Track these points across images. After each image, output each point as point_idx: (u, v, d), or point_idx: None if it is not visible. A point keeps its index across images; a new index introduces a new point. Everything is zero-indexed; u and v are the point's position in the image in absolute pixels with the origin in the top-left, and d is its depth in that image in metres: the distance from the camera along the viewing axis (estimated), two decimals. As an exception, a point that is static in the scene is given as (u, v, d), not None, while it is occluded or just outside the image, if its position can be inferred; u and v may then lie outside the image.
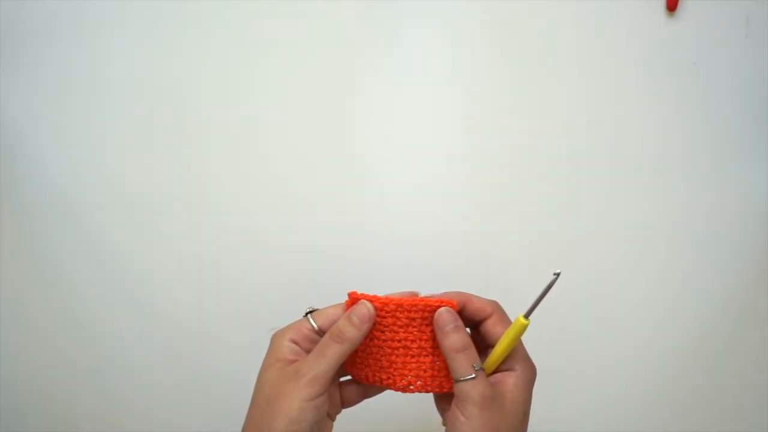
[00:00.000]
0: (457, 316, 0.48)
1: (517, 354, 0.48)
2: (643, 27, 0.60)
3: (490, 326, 0.49)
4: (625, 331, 0.62)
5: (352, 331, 0.48)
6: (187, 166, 0.60)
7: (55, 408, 0.62)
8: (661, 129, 0.60)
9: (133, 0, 0.59)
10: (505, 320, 0.49)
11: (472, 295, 0.50)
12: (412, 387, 0.50)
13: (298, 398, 0.45)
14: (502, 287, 0.61)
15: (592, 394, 0.62)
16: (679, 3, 0.59)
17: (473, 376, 0.46)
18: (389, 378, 0.50)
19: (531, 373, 0.48)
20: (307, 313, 0.49)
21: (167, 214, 0.61)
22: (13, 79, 0.60)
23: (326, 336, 0.48)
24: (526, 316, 0.47)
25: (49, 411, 0.62)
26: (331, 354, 0.47)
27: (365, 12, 0.60)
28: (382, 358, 0.50)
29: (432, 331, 0.49)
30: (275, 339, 0.48)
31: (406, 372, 0.50)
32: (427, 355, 0.50)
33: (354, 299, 0.49)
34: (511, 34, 0.60)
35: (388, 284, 0.61)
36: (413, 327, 0.50)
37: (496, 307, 0.49)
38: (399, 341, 0.50)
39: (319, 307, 0.49)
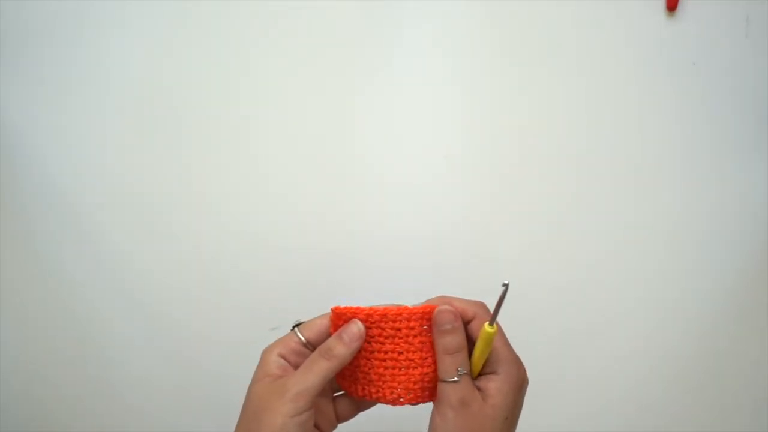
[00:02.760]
0: (458, 317, 0.48)
1: (500, 357, 0.48)
2: (643, 27, 0.60)
3: (473, 329, 0.48)
4: (625, 331, 0.62)
5: (342, 349, 0.48)
6: (187, 166, 0.60)
7: (55, 408, 0.62)
8: (661, 129, 0.60)
9: (133, 0, 0.59)
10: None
11: (454, 298, 0.50)
12: (402, 399, 0.50)
13: (281, 413, 0.45)
14: (499, 286, 0.61)
15: (591, 394, 0.62)
16: (679, 3, 0.59)
17: (456, 379, 0.47)
18: (378, 391, 0.50)
19: (515, 376, 0.48)
20: (294, 327, 0.49)
21: (167, 214, 0.61)
22: (13, 79, 0.60)
23: (315, 352, 0.48)
24: (490, 324, 0.46)
25: (49, 411, 0.62)
26: (318, 370, 0.47)
27: (366, 12, 0.60)
28: (370, 371, 0.49)
29: (420, 342, 0.49)
30: (264, 354, 0.48)
31: (395, 385, 0.50)
32: (416, 367, 0.49)
33: (337, 314, 0.49)
34: (511, 34, 0.60)
35: (388, 285, 0.61)
36: (399, 338, 0.49)
37: (479, 309, 0.49)
38: (386, 353, 0.49)
39: (306, 319, 0.49)
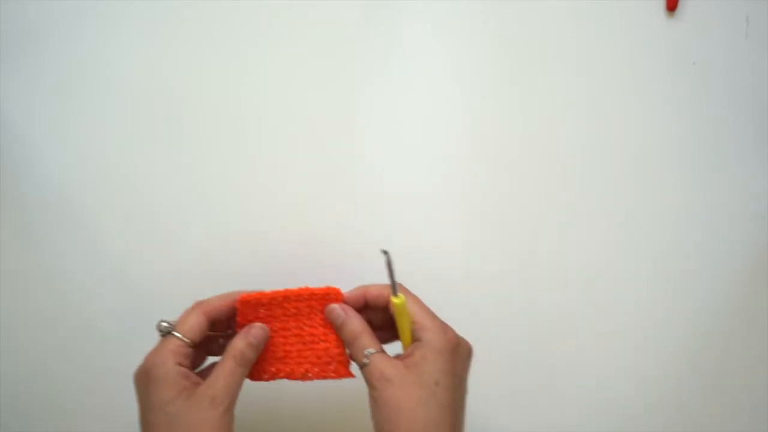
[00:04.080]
0: (347, 308, 0.51)
1: (421, 326, 0.49)
2: (643, 27, 0.60)
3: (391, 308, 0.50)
4: (625, 331, 0.62)
5: (252, 353, 0.51)
6: (188, 166, 0.60)
7: (56, 408, 0.61)
8: (660, 129, 0.61)
9: (133, 0, 0.59)
10: (406, 295, 0.50)
11: (370, 285, 0.52)
12: (310, 374, 0.53)
13: (222, 428, 0.47)
14: (502, 286, 0.61)
15: (591, 394, 0.62)
16: (679, 3, 0.59)
17: (366, 362, 0.49)
18: (287, 367, 0.53)
19: (440, 342, 0.48)
20: (168, 332, 0.50)
21: (168, 213, 0.61)
22: (13, 79, 0.60)
23: (229, 358, 0.49)
24: (394, 295, 0.49)
25: (49, 412, 0.62)
26: (238, 377, 0.49)
27: (366, 12, 0.60)
28: (278, 349, 0.53)
29: (321, 319, 0.52)
30: (159, 368, 0.48)
31: (301, 360, 0.53)
32: (319, 342, 0.52)
33: (244, 302, 0.52)
34: (511, 35, 0.60)
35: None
36: (302, 315, 0.52)
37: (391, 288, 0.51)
38: (290, 330, 0.53)
39: (168, 319, 0.50)
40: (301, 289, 0.53)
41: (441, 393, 0.47)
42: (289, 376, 0.53)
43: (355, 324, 0.51)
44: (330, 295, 0.52)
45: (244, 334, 0.51)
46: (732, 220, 0.61)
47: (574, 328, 0.61)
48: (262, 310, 0.53)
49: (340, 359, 0.53)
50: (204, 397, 0.48)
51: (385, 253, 0.49)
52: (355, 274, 0.60)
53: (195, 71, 0.60)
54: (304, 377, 0.53)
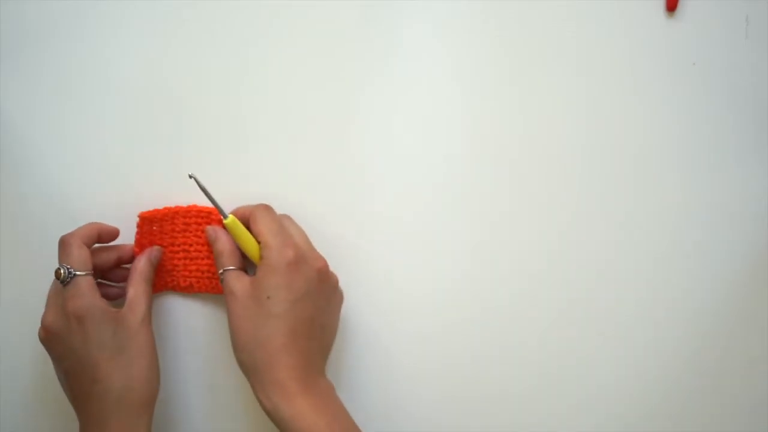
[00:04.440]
0: (218, 229, 0.56)
1: (265, 244, 0.54)
2: (643, 27, 0.60)
3: (250, 225, 0.56)
4: (625, 331, 0.61)
5: (152, 271, 0.57)
6: (188, 166, 0.60)
7: (56, 407, 0.61)
8: (660, 129, 0.60)
9: (133, 0, 0.59)
10: (259, 214, 0.55)
11: (242, 207, 0.57)
12: (193, 287, 0.58)
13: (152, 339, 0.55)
14: (502, 286, 0.61)
15: (591, 394, 0.62)
16: (679, 3, 0.59)
17: (222, 278, 0.55)
18: (173, 280, 0.59)
19: (275, 259, 0.53)
20: (72, 275, 0.53)
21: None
22: (13, 79, 0.60)
23: (143, 282, 0.56)
24: (223, 216, 0.55)
25: (50, 411, 0.62)
26: (150, 293, 0.57)
27: (366, 12, 0.60)
28: (167, 262, 0.58)
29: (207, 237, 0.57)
30: (91, 312, 0.53)
31: (186, 273, 0.58)
32: (204, 258, 0.58)
33: (143, 219, 0.58)
34: (511, 35, 0.60)
35: (386, 283, 0.61)
36: (189, 232, 0.58)
37: (252, 208, 0.56)
38: (179, 245, 0.58)
39: (61, 265, 0.54)
40: (189, 207, 0.58)
41: (272, 305, 0.52)
42: (175, 288, 0.59)
43: (221, 244, 0.56)
44: (215, 212, 0.57)
45: (147, 257, 0.57)
46: (732, 220, 0.61)
47: (573, 328, 0.61)
48: (155, 227, 0.58)
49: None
50: (135, 320, 0.54)
51: (192, 177, 0.53)
52: (355, 273, 0.60)
53: (195, 71, 0.60)
54: (187, 290, 0.59)
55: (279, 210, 0.59)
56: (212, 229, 0.57)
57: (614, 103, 0.60)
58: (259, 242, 0.54)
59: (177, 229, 0.58)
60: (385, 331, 0.61)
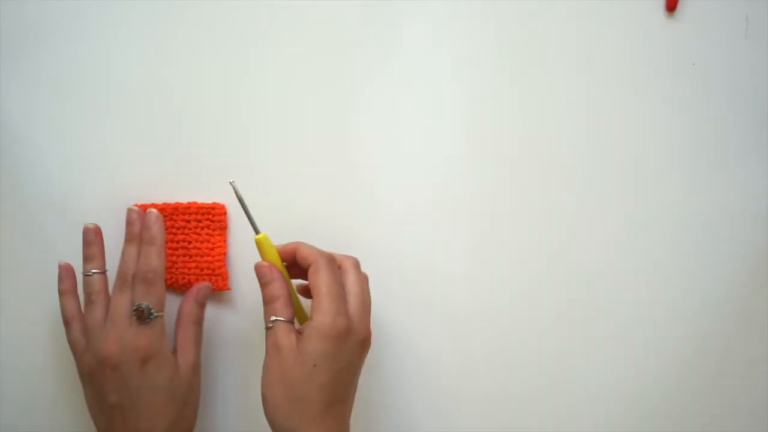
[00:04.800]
0: (273, 269, 0.53)
1: (316, 305, 0.51)
2: (642, 27, 0.60)
3: (309, 275, 0.53)
4: (625, 331, 0.61)
5: (202, 310, 0.57)
6: (187, 166, 0.60)
7: (55, 408, 0.61)
8: (660, 129, 0.61)
9: (133, 0, 0.59)
10: (322, 269, 0.52)
11: (303, 244, 0.54)
12: (191, 285, 0.57)
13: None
14: (502, 286, 0.61)
15: (590, 395, 0.62)
16: (679, 3, 0.59)
17: (270, 326, 0.52)
18: (172, 277, 0.58)
19: (327, 325, 0.50)
20: (152, 316, 0.53)
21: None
22: (13, 79, 0.60)
23: (191, 326, 0.56)
24: (256, 233, 0.53)
25: (50, 410, 0.62)
26: (199, 335, 0.57)
27: (366, 12, 0.60)
28: (166, 259, 0.56)
29: (207, 234, 0.57)
30: (158, 354, 0.53)
31: (185, 271, 0.58)
32: (203, 256, 0.57)
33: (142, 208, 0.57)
34: (511, 35, 0.60)
35: (386, 284, 0.61)
36: (189, 229, 0.57)
37: (319, 257, 0.53)
38: (178, 242, 0.57)
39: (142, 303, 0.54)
40: (189, 203, 0.58)
41: (317, 374, 0.50)
42: (173, 285, 0.58)
43: (276, 288, 0.52)
44: (215, 210, 0.57)
45: (194, 298, 0.56)
46: (732, 220, 0.61)
47: (573, 328, 0.61)
48: None
49: (220, 273, 0.58)
50: (187, 367, 0.55)
51: (232, 184, 0.52)
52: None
53: (195, 71, 0.60)
54: (186, 288, 0.58)
55: (278, 209, 0.59)
56: (267, 268, 0.53)
57: (614, 103, 0.60)
58: (313, 298, 0.52)
59: (177, 225, 0.58)
60: (384, 331, 0.61)
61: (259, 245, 0.53)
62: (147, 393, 0.52)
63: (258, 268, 0.53)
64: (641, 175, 0.61)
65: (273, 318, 0.52)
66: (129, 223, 0.57)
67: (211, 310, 0.60)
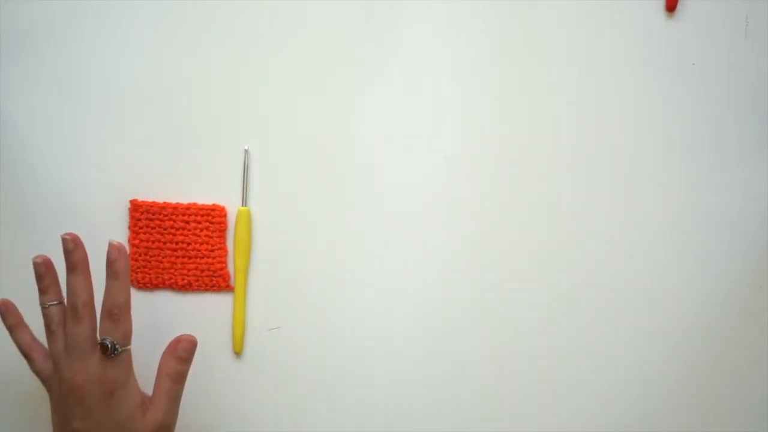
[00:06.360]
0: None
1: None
2: (642, 27, 0.60)
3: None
4: (625, 331, 0.61)
5: (185, 366, 0.55)
6: (187, 166, 0.60)
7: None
8: (660, 129, 0.61)
9: (133, 0, 0.59)
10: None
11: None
12: (192, 286, 0.58)
13: None
14: (501, 285, 0.61)
15: (590, 394, 0.62)
16: (679, 3, 0.59)
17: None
18: (171, 278, 0.58)
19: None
20: (116, 350, 0.53)
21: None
22: (13, 79, 0.60)
23: (166, 380, 0.54)
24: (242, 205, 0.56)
25: (46, 412, 0.62)
26: (178, 392, 0.55)
27: (365, 11, 0.60)
28: (164, 260, 0.58)
29: (206, 235, 0.58)
30: (122, 387, 0.53)
31: (185, 272, 0.58)
32: (203, 257, 0.58)
33: (135, 206, 0.57)
34: (511, 34, 0.60)
35: (385, 284, 0.61)
36: (188, 230, 0.58)
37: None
38: (177, 243, 0.58)
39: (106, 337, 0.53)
40: (189, 204, 0.58)
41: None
42: (172, 286, 0.58)
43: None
44: (215, 212, 0.57)
45: (172, 351, 0.55)
46: (732, 220, 0.61)
47: (574, 328, 0.61)
48: (155, 220, 0.58)
49: (221, 274, 0.58)
50: (154, 422, 0.53)
51: (246, 150, 0.55)
52: (352, 273, 0.60)
53: (195, 71, 0.60)
54: (185, 288, 0.58)
55: (279, 209, 0.59)
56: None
57: (614, 103, 0.60)
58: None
59: (176, 225, 0.58)
60: (382, 331, 0.61)
61: (237, 217, 0.56)
62: (110, 427, 0.52)
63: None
64: (641, 175, 0.61)
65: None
66: (67, 252, 0.54)
67: (209, 311, 0.60)
